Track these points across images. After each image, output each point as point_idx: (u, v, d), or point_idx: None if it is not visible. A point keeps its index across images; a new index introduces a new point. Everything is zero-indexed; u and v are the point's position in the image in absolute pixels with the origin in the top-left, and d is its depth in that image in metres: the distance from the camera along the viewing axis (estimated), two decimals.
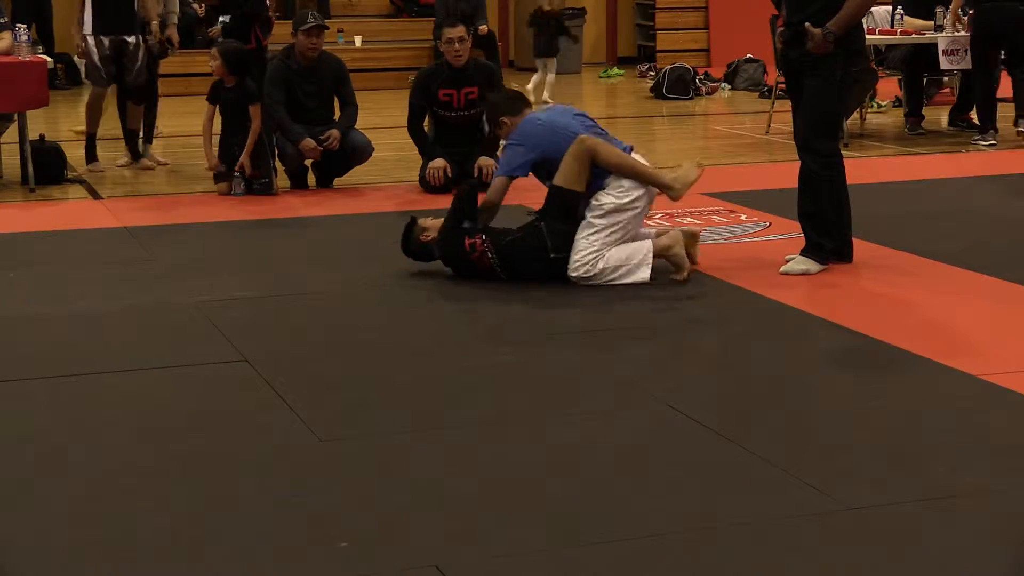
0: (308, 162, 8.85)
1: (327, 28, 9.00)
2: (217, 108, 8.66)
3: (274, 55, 9.10)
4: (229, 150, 8.59)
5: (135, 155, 9.65)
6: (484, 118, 6.81)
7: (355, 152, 8.80)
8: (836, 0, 6.18)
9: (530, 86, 13.61)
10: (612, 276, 6.20)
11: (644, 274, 6.21)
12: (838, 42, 6.19)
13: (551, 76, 13.97)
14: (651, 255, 6.23)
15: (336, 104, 8.95)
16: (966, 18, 10.89)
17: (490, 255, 6.23)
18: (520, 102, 6.75)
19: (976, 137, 10.82)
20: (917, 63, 11.22)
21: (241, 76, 8.57)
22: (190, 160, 9.89)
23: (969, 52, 10.73)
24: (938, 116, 12.09)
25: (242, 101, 8.51)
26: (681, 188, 6.37)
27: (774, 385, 4.91)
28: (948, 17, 11.00)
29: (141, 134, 9.74)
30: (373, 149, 8.89)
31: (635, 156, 6.48)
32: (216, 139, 8.76)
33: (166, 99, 9.89)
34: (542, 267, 6.23)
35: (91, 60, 9.23)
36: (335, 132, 8.63)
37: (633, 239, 6.33)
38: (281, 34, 10.43)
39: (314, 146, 8.55)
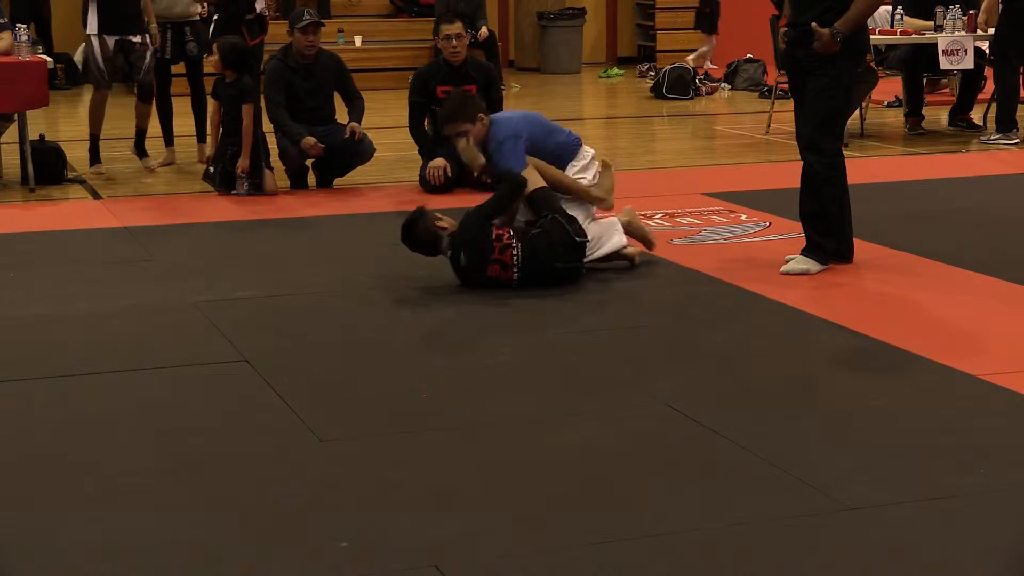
0: (309, 162, 8.85)
1: (323, 25, 9.00)
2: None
3: (271, 55, 9.10)
4: (224, 150, 8.58)
5: (141, 153, 9.64)
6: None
7: (357, 153, 8.80)
8: (842, 0, 6.20)
9: (691, 57, 16.38)
10: (595, 250, 6.42)
11: (621, 239, 6.51)
12: (844, 42, 6.20)
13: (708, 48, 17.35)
14: (619, 224, 6.56)
15: (335, 104, 8.94)
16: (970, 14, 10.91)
17: (514, 250, 6.10)
18: (474, 107, 6.63)
19: (996, 136, 10.81)
20: (917, 63, 11.23)
21: (239, 72, 8.57)
22: (190, 160, 9.89)
23: (993, 51, 10.78)
24: (938, 116, 12.09)
25: (237, 98, 8.51)
26: (608, 196, 6.73)
27: (774, 385, 4.91)
28: (981, 16, 11.04)
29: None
30: (375, 150, 8.89)
31: (585, 150, 6.79)
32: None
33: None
34: (568, 256, 6.18)
35: (94, 61, 9.21)
36: (354, 125, 8.64)
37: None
38: (280, 34, 10.43)
39: (315, 142, 8.56)
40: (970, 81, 11.63)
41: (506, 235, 6.16)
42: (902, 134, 11.37)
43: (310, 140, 8.55)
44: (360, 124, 8.80)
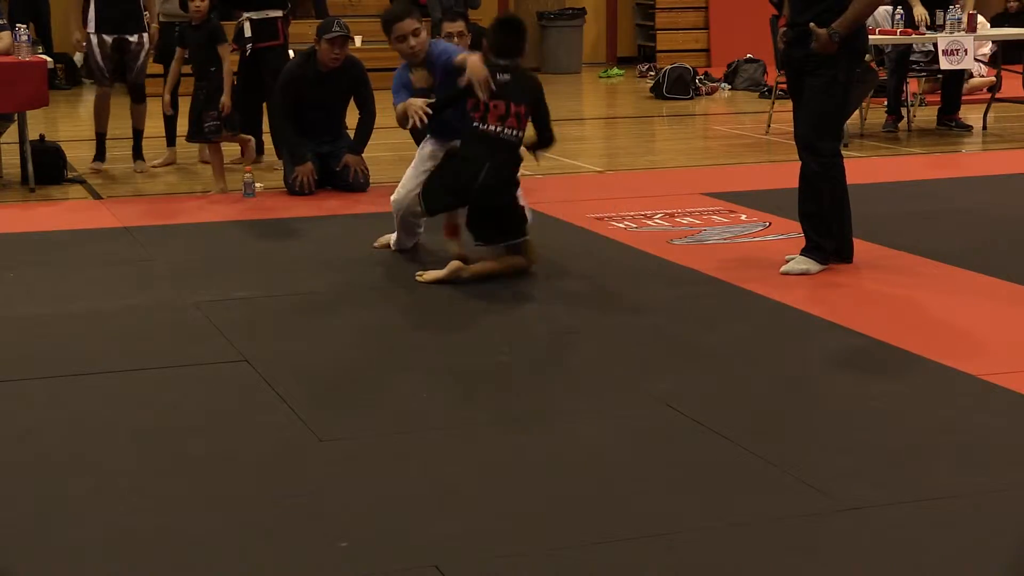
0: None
1: (352, 39, 8.86)
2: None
3: (291, 60, 9.05)
4: (196, 96, 8.60)
5: (138, 154, 9.64)
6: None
7: (349, 187, 8.70)
8: (841, 1, 6.20)
9: None
10: None
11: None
12: (842, 42, 6.20)
13: None
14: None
15: (345, 115, 8.90)
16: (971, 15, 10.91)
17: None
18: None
19: None
20: (904, 63, 11.27)
21: (211, 14, 8.62)
22: (190, 160, 9.89)
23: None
24: (933, 117, 12.07)
25: (210, 41, 8.52)
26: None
27: (774, 385, 4.91)
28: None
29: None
30: (369, 185, 8.80)
31: None
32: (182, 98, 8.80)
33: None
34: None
35: (93, 59, 9.23)
36: (352, 160, 8.62)
37: None
38: (291, 33, 10.41)
39: (310, 171, 8.52)
40: (952, 81, 11.60)
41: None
42: (902, 134, 11.37)
43: (306, 169, 8.52)
44: (363, 148, 8.73)
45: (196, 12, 8.60)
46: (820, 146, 6.40)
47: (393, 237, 6.94)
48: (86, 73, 9.96)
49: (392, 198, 6.82)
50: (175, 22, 9.57)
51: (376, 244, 7.02)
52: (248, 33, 9.33)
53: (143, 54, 9.28)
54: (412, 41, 6.56)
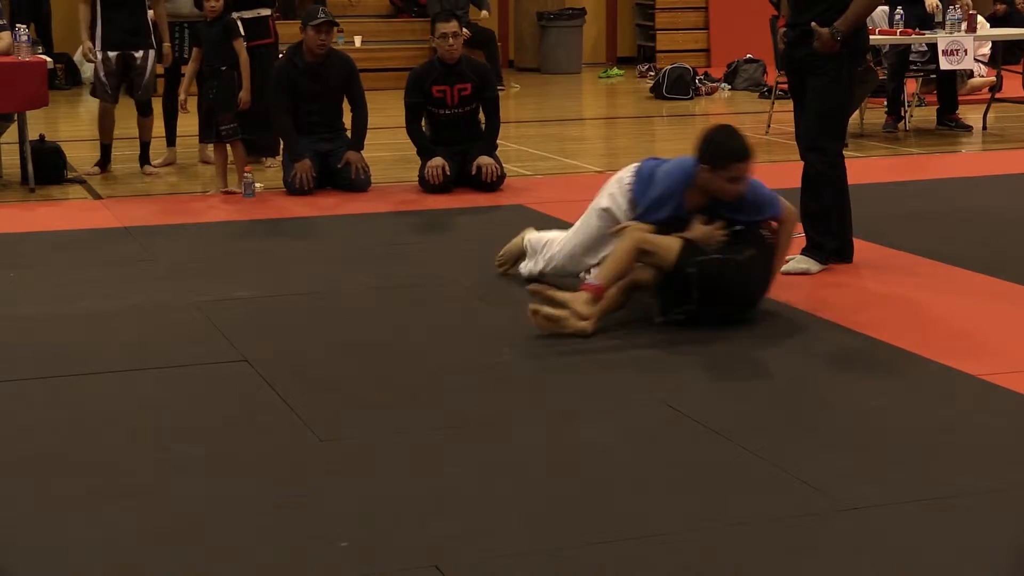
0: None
1: (338, 24, 8.92)
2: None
3: (281, 55, 9.08)
4: (205, 95, 8.58)
5: (145, 161, 9.63)
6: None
7: (350, 185, 8.70)
8: (842, 0, 6.20)
9: None
10: None
11: None
12: (843, 42, 6.21)
13: None
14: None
15: (341, 111, 8.91)
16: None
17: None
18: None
19: None
20: (904, 63, 11.27)
21: (225, 11, 8.62)
22: (190, 160, 9.89)
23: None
24: (933, 117, 12.07)
25: (225, 37, 8.52)
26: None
27: (774, 385, 4.91)
28: None
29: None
30: (371, 183, 8.81)
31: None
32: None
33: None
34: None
35: (97, 76, 9.21)
36: (353, 157, 8.63)
37: None
38: (286, 33, 10.42)
39: (308, 168, 8.50)
40: (946, 82, 11.58)
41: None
42: (902, 134, 11.37)
43: (304, 166, 8.52)
44: (363, 143, 8.74)
45: (212, 12, 8.60)
46: (824, 146, 6.40)
47: (525, 264, 6.26)
48: (91, 91, 9.93)
49: (556, 257, 6.08)
50: (185, 22, 9.57)
51: (501, 264, 6.28)
52: (241, 32, 9.35)
53: (149, 70, 9.24)
54: (740, 186, 5.74)
